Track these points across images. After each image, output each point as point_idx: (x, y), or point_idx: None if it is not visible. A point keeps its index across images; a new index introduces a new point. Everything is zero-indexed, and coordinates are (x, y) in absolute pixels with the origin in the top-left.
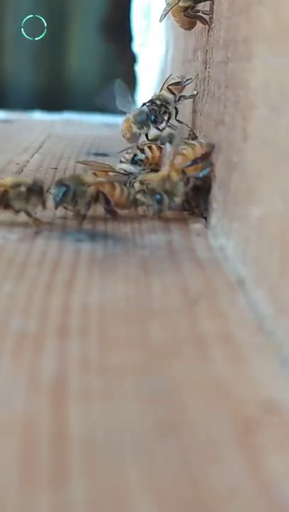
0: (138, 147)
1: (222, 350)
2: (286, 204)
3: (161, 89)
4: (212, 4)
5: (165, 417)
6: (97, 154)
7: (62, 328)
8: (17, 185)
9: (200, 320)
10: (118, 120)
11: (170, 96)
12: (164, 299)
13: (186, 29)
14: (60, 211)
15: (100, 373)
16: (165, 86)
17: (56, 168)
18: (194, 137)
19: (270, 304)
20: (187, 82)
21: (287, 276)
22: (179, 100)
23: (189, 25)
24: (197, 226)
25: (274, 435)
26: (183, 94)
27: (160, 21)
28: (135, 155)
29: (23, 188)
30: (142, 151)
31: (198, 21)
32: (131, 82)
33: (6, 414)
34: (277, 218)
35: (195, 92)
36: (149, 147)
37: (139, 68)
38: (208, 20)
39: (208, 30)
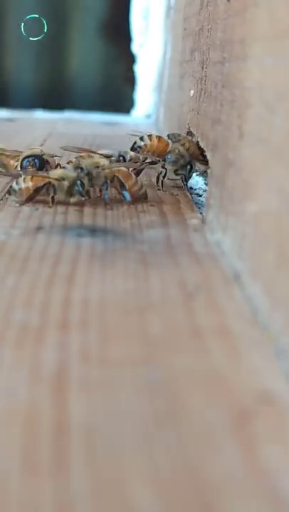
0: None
1: (219, 342)
2: (281, 200)
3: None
4: None
5: (163, 407)
6: None
7: (63, 320)
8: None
9: (197, 313)
10: (117, 119)
11: None
12: (162, 293)
13: None
14: (61, 207)
15: (99, 364)
16: None
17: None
18: (191, 135)
19: (266, 297)
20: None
21: (282, 271)
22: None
23: None
24: (194, 222)
25: (269, 425)
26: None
27: None
28: (135, 142)
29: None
30: (142, 138)
31: None
32: (130, 82)
33: (9, 404)
34: (272, 214)
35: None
36: (149, 136)
37: (138, 68)
38: None
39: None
